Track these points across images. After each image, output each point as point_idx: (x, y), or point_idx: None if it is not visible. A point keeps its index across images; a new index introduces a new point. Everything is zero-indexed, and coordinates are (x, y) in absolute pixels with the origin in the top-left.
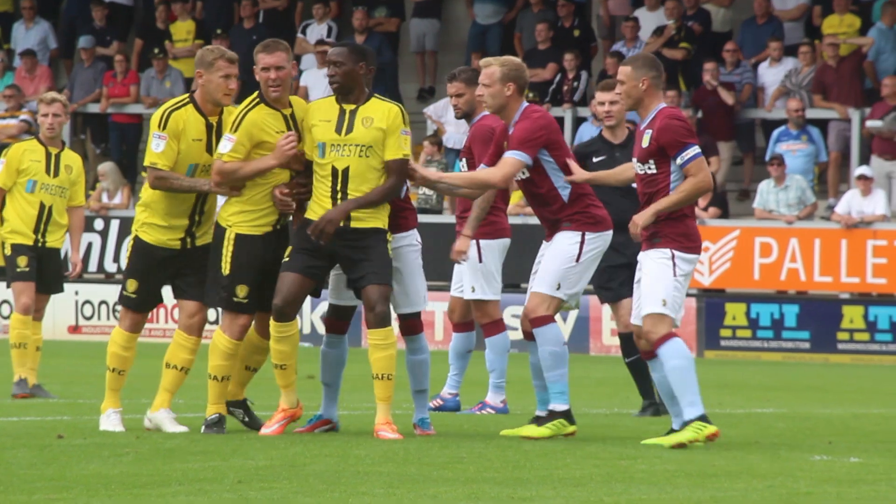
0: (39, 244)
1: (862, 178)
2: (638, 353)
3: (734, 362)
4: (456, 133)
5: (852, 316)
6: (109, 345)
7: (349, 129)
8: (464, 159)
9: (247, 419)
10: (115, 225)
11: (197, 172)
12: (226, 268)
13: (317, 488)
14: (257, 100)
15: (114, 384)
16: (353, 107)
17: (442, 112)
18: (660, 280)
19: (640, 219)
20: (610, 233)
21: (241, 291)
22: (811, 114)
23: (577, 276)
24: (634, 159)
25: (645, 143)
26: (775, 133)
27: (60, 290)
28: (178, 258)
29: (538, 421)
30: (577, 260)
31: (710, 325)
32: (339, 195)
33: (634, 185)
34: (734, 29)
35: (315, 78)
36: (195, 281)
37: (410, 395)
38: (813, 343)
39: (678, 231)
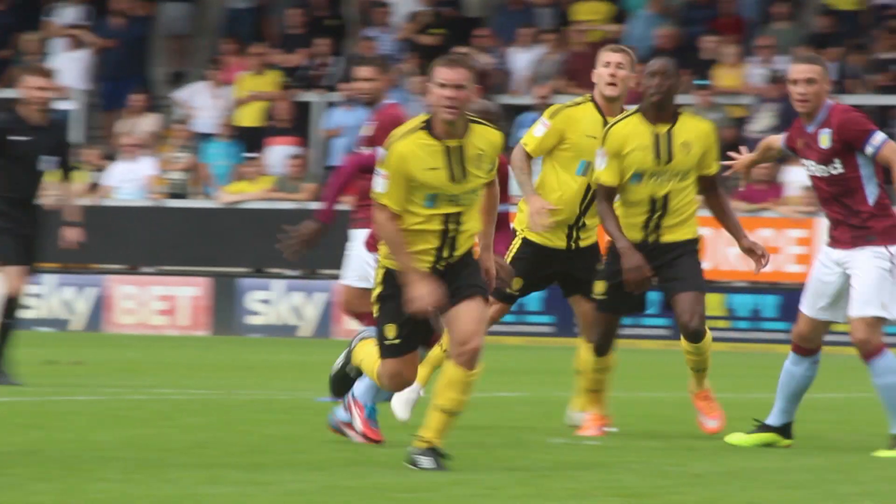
0: None
1: None
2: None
3: None
4: (208, 118)
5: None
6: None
7: (669, 158)
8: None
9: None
10: None
11: None
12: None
13: (54, 474)
14: (422, 125)
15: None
16: (665, 128)
17: (192, 96)
18: (877, 281)
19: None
20: None
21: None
22: (562, 100)
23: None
24: (811, 162)
25: (825, 143)
26: (522, 119)
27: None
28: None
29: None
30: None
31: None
32: (652, 223)
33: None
34: (486, 15)
35: (64, 61)
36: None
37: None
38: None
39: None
